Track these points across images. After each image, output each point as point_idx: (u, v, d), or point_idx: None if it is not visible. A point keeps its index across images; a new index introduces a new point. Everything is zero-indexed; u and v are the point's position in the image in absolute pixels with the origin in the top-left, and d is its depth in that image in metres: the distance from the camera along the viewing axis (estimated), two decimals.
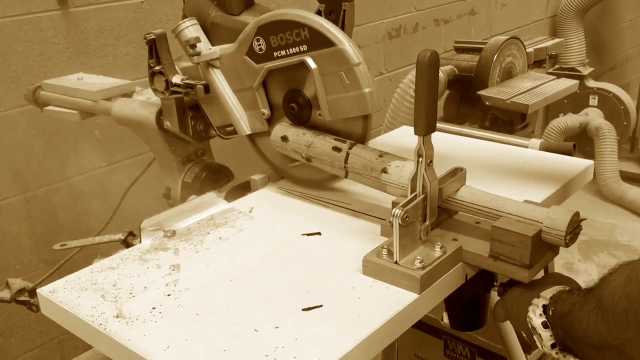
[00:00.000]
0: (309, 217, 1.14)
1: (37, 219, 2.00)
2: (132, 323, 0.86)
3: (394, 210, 0.89)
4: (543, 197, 1.15)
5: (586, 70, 4.22)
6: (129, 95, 1.46)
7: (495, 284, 1.03)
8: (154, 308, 0.89)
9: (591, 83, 4.22)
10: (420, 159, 0.91)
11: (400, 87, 2.37)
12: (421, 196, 0.92)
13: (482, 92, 2.23)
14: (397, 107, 2.35)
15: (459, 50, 2.60)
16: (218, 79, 1.22)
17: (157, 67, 1.22)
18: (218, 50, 1.21)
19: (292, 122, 1.20)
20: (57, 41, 1.94)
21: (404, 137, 1.55)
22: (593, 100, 4.17)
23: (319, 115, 1.14)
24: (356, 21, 1.22)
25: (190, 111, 1.29)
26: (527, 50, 2.53)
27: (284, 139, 1.18)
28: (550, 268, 1.57)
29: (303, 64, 1.11)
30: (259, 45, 1.15)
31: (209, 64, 1.22)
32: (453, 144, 1.47)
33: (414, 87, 2.35)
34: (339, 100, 1.11)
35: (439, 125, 1.99)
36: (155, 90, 1.25)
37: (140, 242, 1.09)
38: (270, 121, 1.22)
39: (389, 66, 3.02)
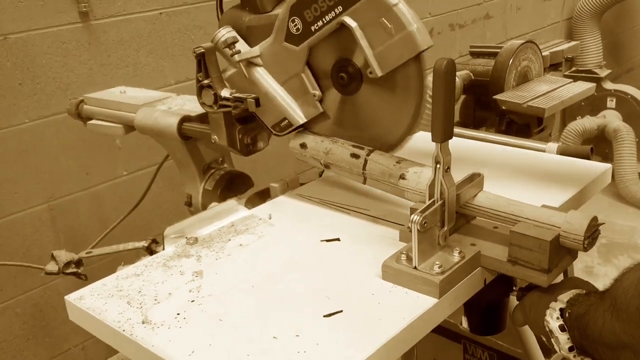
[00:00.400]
0: (328, 223, 1.16)
1: (61, 227, 2.04)
2: (157, 329, 0.89)
3: (412, 216, 0.90)
4: (561, 202, 1.16)
5: (603, 73, 4.20)
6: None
7: (514, 288, 1.04)
8: (178, 314, 0.91)
9: (608, 85, 4.20)
10: (438, 166, 0.92)
11: None
12: (439, 202, 0.93)
13: (498, 97, 2.24)
14: None
15: (475, 54, 2.61)
16: (262, 76, 1.21)
17: (206, 81, 1.23)
18: (257, 48, 1.20)
19: (342, 93, 1.16)
20: (79, 53, 1.98)
21: (421, 142, 1.56)
22: (611, 103, 4.14)
23: (370, 73, 1.09)
24: None
25: (239, 124, 1.28)
26: (543, 53, 2.53)
27: (303, 146, 1.20)
28: (569, 272, 1.58)
29: (343, 27, 1.07)
30: (295, 26, 1.13)
31: (251, 63, 1.21)
32: (469, 149, 1.48)
33: (430, 93, 2.36)
34: (387, 50, 1.05)
35: (455, 130, 2.00)
36: (203, 104, 1.25)
37: (163, 249, 1.12)
38: (322, 101, 1.19)
39: None
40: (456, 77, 2.38)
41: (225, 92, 1.22)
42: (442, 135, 0.90)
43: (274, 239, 1.12)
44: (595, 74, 4.13)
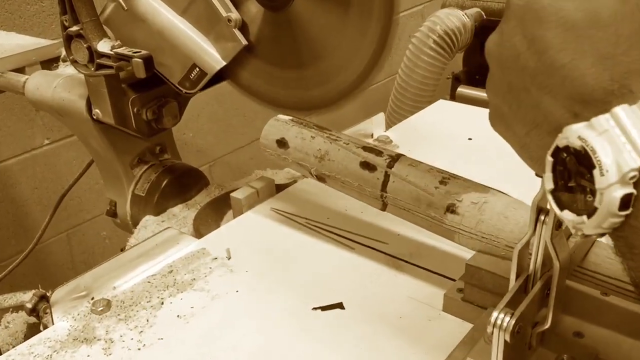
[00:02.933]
0: (321, 267, 0.74)
1: None
2: None
3: (494, 315, 0.48)
4: None
5: None
6: (51, 65, 1.02)
7: None
8: None
9: None
10: (544, 219, 0.49)
11: (417, 36, 1.91)
12: (540, 283, 0.51)
13: None
14: (413, 63, 1.90)
15: None
16: (152, 5, 0.78)
17: (75, 28, 0.78)
18: None
19: (265, 6, 0.76)
20: None
21: (445, 117, 1.12)
22: None
23: None
24: None
25: (132, 92, 0.85)
26: None
27: (282, 144, 0.75)
28: None
29: None
30: None
31: None
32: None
33: (434, 36, 1.88)
34: None
35: (475, 94, 1.56)
36: (74, 63, 0.81)
37: (52, 322, 0.68)
38: (244, 29, 0.78)
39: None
40: (466, 18, 1.92)
41: (103, 46, 0.77)
42: None
43: (235, 302, 0.69)
44: None
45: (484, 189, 0.63)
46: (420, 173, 0.66)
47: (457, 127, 1.06)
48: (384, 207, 0.69)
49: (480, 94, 1.37)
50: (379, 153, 0.69)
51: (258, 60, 0.79)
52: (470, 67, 2.18)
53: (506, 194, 0.63)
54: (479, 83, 2.12)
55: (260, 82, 0.80)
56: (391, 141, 1.01)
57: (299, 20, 0.74)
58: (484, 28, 1.99)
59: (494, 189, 0.63)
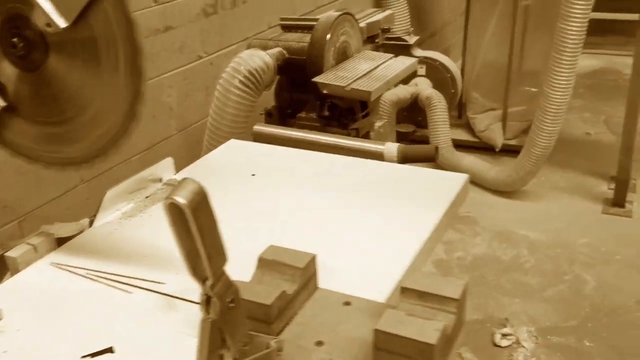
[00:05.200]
0: (95, 315, 0.75)
1: None
2: None
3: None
4: (428, 231, 0.88)
5: (412, 39, 4.14)
6: None
7: None
8: None
9: (418, 52, 4.15)
10: None
11: (223, 77, 1.99)
12: None
13: (318, 80, 1.93)
14: (222, 102, 1.97)
15: (286, 28, 2.28)
16: None
17: None
18: None
19: (19, 67, 0.78)
20: None
21: (235, 155, 1.19)
22: (421, 70, 4.10)
23: (48, 27, 0.74)
24: None
25: None
26: (360, 25, 2.28)
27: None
28: None
29: None
30: None
31: None
32: (287, 161, 1.13)
33: (239, 76, 1.96)
34: None
35: (269, 130, 1.65)
36: None
37: None
38: (2, 89, 0.79)
39: (209, 48, 2.61)
40: (269, 57, 2.03)
41: None
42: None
43: (5, 357, 0.69)
44: (405, 41, 4.06)
45: None
46: None
47: (244, 164, 1.13)
48: None
49: (274, 130, 1.47)
50: None
51: (21, 120, 0.80)
52: (281, 103, 2.30)
53: None
54: (290, 117, 2.25)
55: (26, 141, 0.81)
56: None
57: (54, 78, 0.76)
58: (287, 65, 2.13)
59: None
